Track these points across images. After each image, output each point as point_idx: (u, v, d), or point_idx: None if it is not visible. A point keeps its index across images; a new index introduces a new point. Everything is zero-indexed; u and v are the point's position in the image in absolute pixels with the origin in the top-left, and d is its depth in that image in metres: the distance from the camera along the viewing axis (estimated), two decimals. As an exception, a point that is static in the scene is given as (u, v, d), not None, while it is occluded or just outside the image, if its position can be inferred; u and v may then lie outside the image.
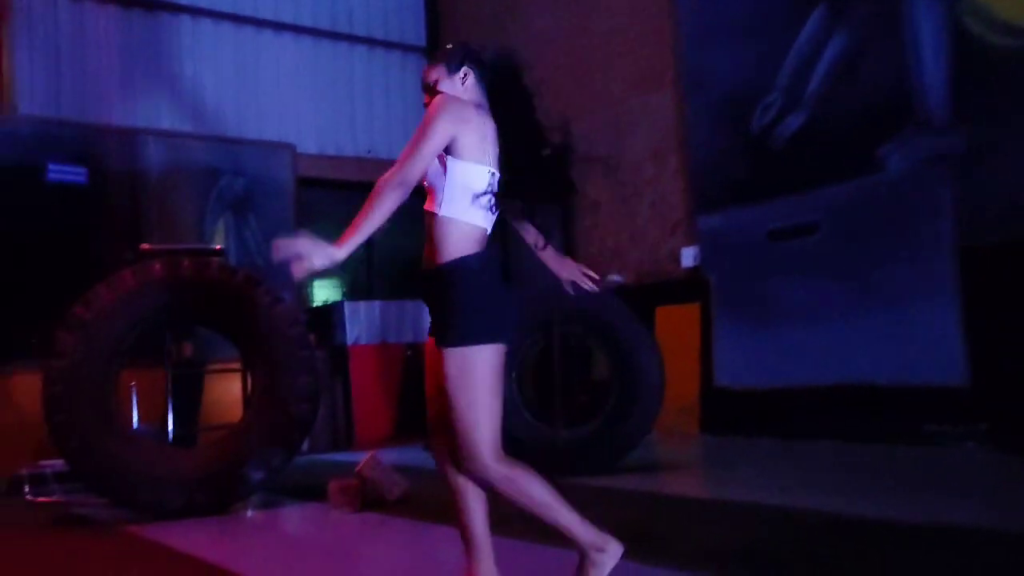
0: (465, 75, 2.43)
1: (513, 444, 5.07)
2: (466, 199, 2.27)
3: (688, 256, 6.80)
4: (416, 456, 6.00)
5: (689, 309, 6.67)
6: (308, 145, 8.21)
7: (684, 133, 6.80)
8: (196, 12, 7.85)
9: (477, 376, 2.22)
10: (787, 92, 5.97)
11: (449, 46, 2.52)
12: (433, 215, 2.29)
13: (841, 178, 5.62)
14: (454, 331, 2.24)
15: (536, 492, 2.26)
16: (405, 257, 8.55)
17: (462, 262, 2.26)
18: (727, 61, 6.36)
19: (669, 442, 6.11)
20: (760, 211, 6.11)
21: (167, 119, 7.62)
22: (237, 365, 5.51)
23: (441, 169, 2.28)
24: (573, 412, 5.34)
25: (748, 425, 6.10)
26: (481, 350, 2.23)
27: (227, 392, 6.53)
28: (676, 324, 6.66)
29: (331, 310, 7.54)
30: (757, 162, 6.17)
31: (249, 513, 4.42)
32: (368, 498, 4.20)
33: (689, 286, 6.68)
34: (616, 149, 7.45)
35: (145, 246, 4.93)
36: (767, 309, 6.05)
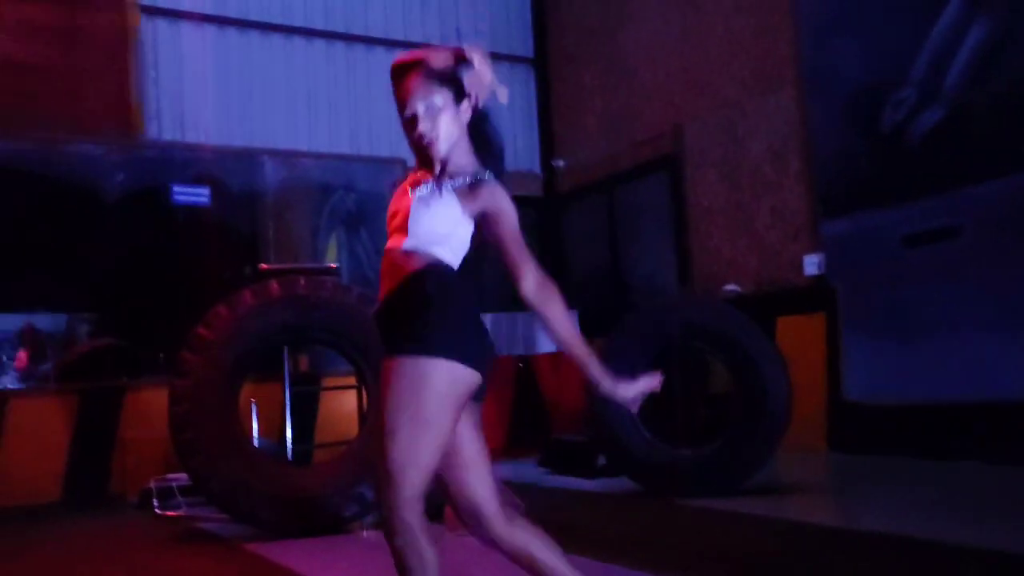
0: (467, 108, 2.11)
1: (630, 464, 4.95)
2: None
3: (811, 264, 6.45)
4: (531, 472, 5.91)
5: (813, 319, 6.32)
6: (419, 159, 8.27)
7: (807, 134, 6.47)
8: (310, 33, 8.03)
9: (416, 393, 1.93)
10: (922, 86, 5.57)
11: (442, 54, 2.11)
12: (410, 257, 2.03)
13: (987, 177, 5.20)
14: (411, 340, 1.97)
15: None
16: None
17: (443, 279, 2.02)
18: (853, 56, 6.01)
19: (794, 460, 5.79)
20: (893, 215, 5.72)
21: (283, 138, 7.81)
22: (352, 381, 5.55)
23: (463, 222, 2.04)
24: (693, 429, 5.13)
25: (880, 443, 5.71)
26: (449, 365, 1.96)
27: (338, 408, 6.61)
28: (799, 335, 6.33)
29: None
30: (889, 162, 5.79)
31: (364, 533, 4.40)
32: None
33: (813, 295, 6.34)
34: (732, 153, 7.18)
35: (263, 266, 5.02)
36: (902, 320, 5.65)
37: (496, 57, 9.31)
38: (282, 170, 7.58)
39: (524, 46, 9.21)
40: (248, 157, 7.45)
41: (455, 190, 2.04)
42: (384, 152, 8.18)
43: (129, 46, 7.10)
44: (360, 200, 7.86)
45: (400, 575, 1.96)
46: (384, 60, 8.42)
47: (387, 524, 1.92)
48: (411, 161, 7.84)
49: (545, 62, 9.20)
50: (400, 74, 2.12)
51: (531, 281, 1.98)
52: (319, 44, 8.11)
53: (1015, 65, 5.09)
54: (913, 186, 5.61)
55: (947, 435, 5.35)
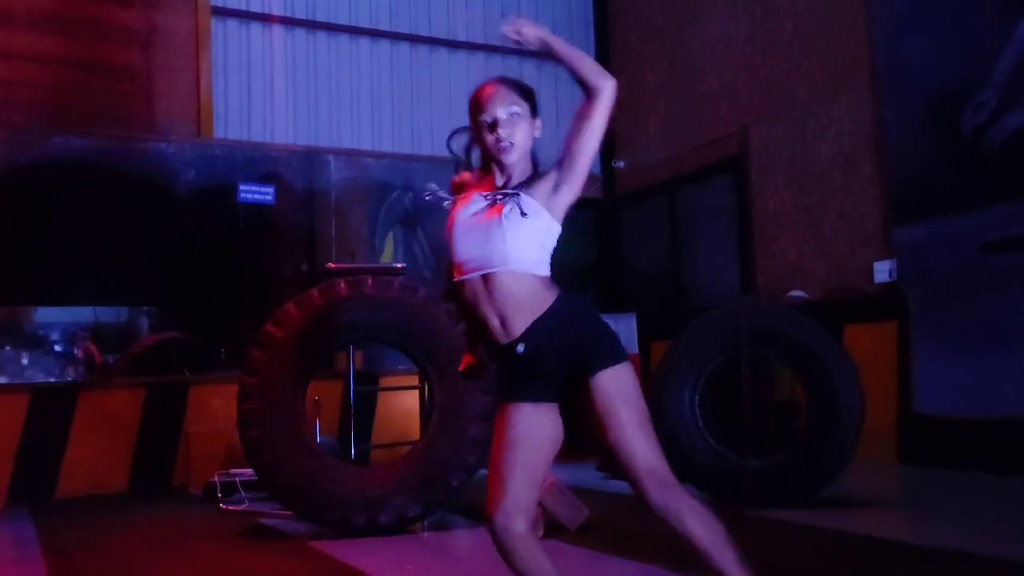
0: (539, 126, 2.25)
1: (694, 472, 4.85)
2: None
3: (882, 270, 6.28)
4: (590, 476, 5.84)
5: (883, 328, 6.14)
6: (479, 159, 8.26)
7: (880, 137, 6.29)
8: (376, 34, 8.09)
9: (639, 393, 2.13)
10: (1004, 88, 5.37)
11: (513, 78, 2.25)
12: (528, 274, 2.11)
13: (1070, 183, 5.00)
14: (611, 349, 2.09)
15: (716, 526, 2.13)
16: (575, 268, 8.45)
17: (575, 295, 2.17)
18: (930, 57, 5.82)
19: (864, 472, 5.63)
20: (972, 221, 5.53)
21: (347, 138, 7.87)
22: (410, 380, 5.56)
23: (549, 219, 2.12)
24: (760, 439, 5.01)
25: (955, 457, 5.53)
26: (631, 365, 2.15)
27: (396, 407, 6.62)
28: (868, 344, 6.15)
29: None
30: (968, 167, 5.59)
31: (427, 534, 4.39)
32: (549, 525, 4.06)
33: (883, 303, 6.16)
34: (800, 156, 7.02)
35: (331, 265, 5.05)
36: (980, 330, 5.46)
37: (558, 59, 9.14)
38: (345, 169, 7.63)
39: (586, 46, 9.13)
40: (313, 156, 7.52)
41: (534, 195, 2.10)
42: (444, 152, 8.17)
43: (202, 47, 7.22)
44: (417, 199, 7.88)
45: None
46: (447, 61, 8.45)
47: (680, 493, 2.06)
48: (473, 161, 7.75)
49: (607, 62, 9.11)
50: (483, 86, 2.23)
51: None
52: (384, 45, 8.15)
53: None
54: (993, 192, 5.41)
55: (1023, 450, 5.15)
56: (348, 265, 5.06)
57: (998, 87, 5.42)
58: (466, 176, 2.28)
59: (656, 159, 8.52)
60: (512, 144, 2.10)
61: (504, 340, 2.07)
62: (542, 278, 2.09)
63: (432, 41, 8.36)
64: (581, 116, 2.11)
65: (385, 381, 6.71)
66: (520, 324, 2.05)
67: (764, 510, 4.45)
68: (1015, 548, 3.39)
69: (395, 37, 8.19)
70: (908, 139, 6.01)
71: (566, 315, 2.06)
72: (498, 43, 8.71)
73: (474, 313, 2.11)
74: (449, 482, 4.36)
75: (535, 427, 2.10)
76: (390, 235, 7.80)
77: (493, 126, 2.10)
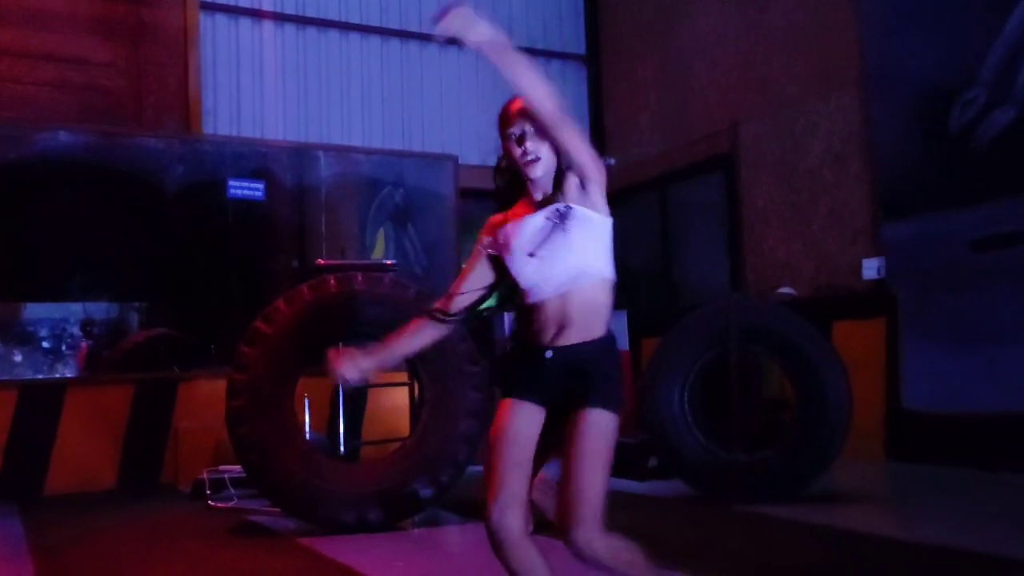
0: None
1: (683, 467, 4.88)
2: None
3: (871, 268, 6.31)
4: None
5: (871, 325, 6.17)
6: (471, 156, 8.25)
7: (869, 135, 6.31)
8: (366, 29, 8.07)
9: (612, 446, 2.12)
10: (992, 86, 5.40)
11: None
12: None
13: (1057, 181, 5.03)
14: (615, 396, 2.13)
15: (645, 569, 2.08)
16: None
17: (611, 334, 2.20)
18: (919, 54, 5.84)
19: (852, 468, 5.66)
20: (960, 218, 5.56)
21: (337, 134, 7.86)
22: (400, 378, 5.55)
23: (600, 217, 2.16)
24: (748, 434, 5.03)
25: (942, 452, 5.57)
26: (618, 421, 2.14)
27: (385, 403, 6.61)
28: (856, 341, 6.18)
29: (491, 321, 7.52)
30: (956, 164, 5.62)
31: (416, 531, 4.40)
32: (539, 521, 4.06)
33: (872, 300, 6.19)
34: (790, 153, 7.04)
35: (321, 261, 5.04)
36: (967, 327, 5.49)
37: (548, 54, 9.26)
38: (335, 165, 7.61)
39: (577, 42, 9.15)
40: (303, 152, 7.50)
41: (575, 202, 2.14)
42: (435, 148, 8.19)
43: (191, 42, 7.20)
44: (408, 195, 7.87)
45: None
46: (437, 57, 8.44)
47: (594, 551, 2.05)
48: (464, 157, 7.74)
49: (598, 58, 9.12)
50: (511, 102, 2.22)
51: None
52: (374, 41, 8.14)
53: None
54: (982, 189, 5.44)
55: (1011, 447, 5.19)
56: (338, 261, 5.05)
57: (986, 84, 5.44)
58: (498, 216, 2.28)
59: (647, 155, 8.54)
60: (539, 158, 2.13)
61: (545, 343, 2.14)
62: (609, 283, 2.17)
63: (423, 37, 8.34)
64: (545, 124, 2.11)
65: (382, 380, 6.69)
66: (565, 339, 2.13)
67: (752, 505, 4.47)
68: (1002, 544, 3.42)
69: (385, 33, 8.18)
70: (897, 137, 6.04)
71: (600, 352, 2.14)
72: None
73: (537, 326, 2.16)
74: (439, 478, 4.36)
75: (536, 426, 2.16)
76: (381, 231, 7.78)
77: (521, 139, 2.13)
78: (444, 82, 8.42)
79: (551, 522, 4.14)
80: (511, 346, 2.31)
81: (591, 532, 2.02)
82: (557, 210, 2.11)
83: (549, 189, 2.16)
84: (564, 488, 2.07)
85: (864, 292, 6.31)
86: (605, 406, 2.10)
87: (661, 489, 5.14)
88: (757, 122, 7.32)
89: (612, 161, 8.96)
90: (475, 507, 4.62)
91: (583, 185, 2.14)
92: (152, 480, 6.29)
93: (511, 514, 2.08)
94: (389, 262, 5.38)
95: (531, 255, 2.13)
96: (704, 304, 5.50)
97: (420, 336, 2.32)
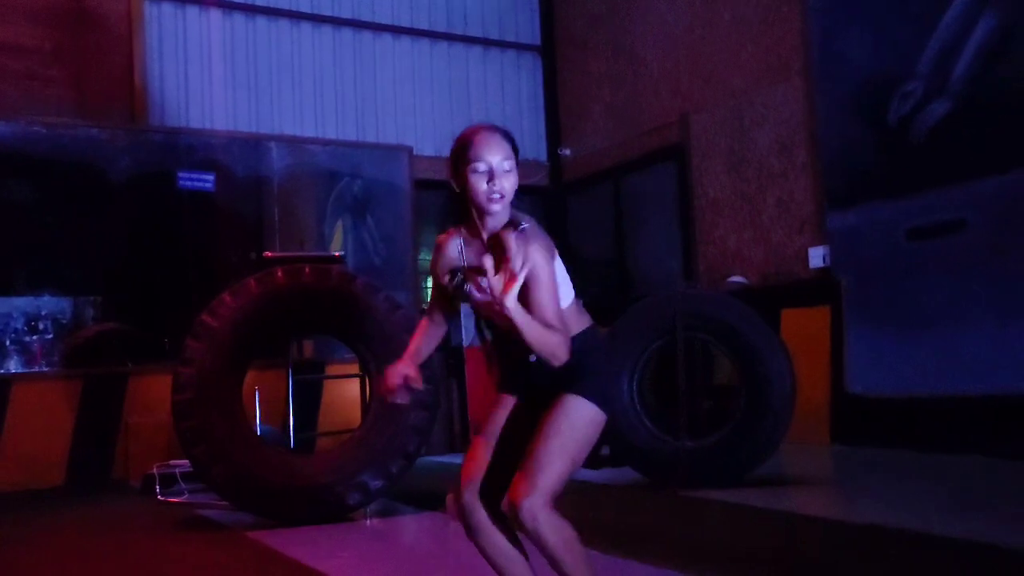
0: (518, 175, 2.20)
1: (633, 454, 4.95)
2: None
3: (817, 256, 6.44)
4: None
5: (818, 312, 6.31)
6: (425, 147, 8.25)
7: (814, 125, 6.43)
8: (317, 19, 8.01)
9: (588, 437, 2.12)
10: (929, 79, 5.54)
11: (505, 132, 2.21)
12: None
13: (990, 171, 5.17)
14: (597, 389, 2.16)
15: (580, 554, 2.06)
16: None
17: (592, 332, 2.24)
18: (860, 48, 5.97)
19: (797, 451, 5.80)
20: (898, 208, 5.70)
21: (290, 124, 7.80)
22: (355, 369, 5.55)
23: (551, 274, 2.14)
24: (696, 421, 5.13)
25: (884, 435, 5.72)
26: (601, 418, 2.15)
27: (343, 395, 6.62)
28: (803, 328, 6.32)
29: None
30: (895, 155, 5.76)
31: (368, 522, 4.42)
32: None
33: (817, 288, 6.32)
34: (739, 144, 7.15)
35: (268, 253, 5.01)
36: (907, 313, 5.64)
37: (503, 45, 9.28)
38: (288, 156, 7.56)
39: (531, 33, 9.16)
40: (254, 143, 7.43)
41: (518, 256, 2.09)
42: (390, 140, 8.17)
43: (135, 31, 7.08)
44: (366, 187, 7.84)
45: (561, 560, 2.06)
46: (391, 47, 8.40)
47: (537, 524, 2.01)
48: (418, 148, 7.72)
49: (552, 50, 9.15)
50: (479, 131, 2.18)
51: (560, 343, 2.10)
52: (326, 30, 8.08)
53: (1021, 60, 5.05)
54: (919, 179, 5.58)
55: (950, 429, 5.34)
56: (285, 253, 5.03)
57: (923, 77, 5.58)
58: (449, 234, 2.28)
59: (601, 147, 8.60)
60: (503, 196, 2.12)
61: (524, 349, 2.12)
62: (569, 309, 2.17)
63: (376, 27, 8.30)
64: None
65: (331, 369, 6.70)
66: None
67: (698, 490, 4.56)
68: (936, 522, 3.53)
69: (338, 23, 8.11)
70: (840, 128, 6.16)
71: (580, 349, 2.14)
72: (444, 29, 8.69)
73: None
74: (389, 469, 4.38)
75: (523, 421, 2.19)
76: (339, 224, 7.75)
77: (491, 176, 2.11)
78: (398, 72, 8.39)
79: (505, 512, 4.19)
80: (502, 360, 2.32)
81: (537, 503, 1.98)
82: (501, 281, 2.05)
83: (498, 226, 2.15)
84: (522, 462, 2.06)
85: (810, 280, 6.44)
86: (583, 394, 2.12)
87: (613, 477, 5.21)
88: (707, 113, 7.42)
89: (567, 152, 9.02)
90: (426, 498, 4.67)
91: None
92: (102, 476, 6.23)
93: (479, 501, 2.11)
94: (338, 253, 5.37)
95: (488, 314, 2.15)
96: (653, 293, 5.58)
97: (430, 335, 2.41)
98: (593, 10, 8.69)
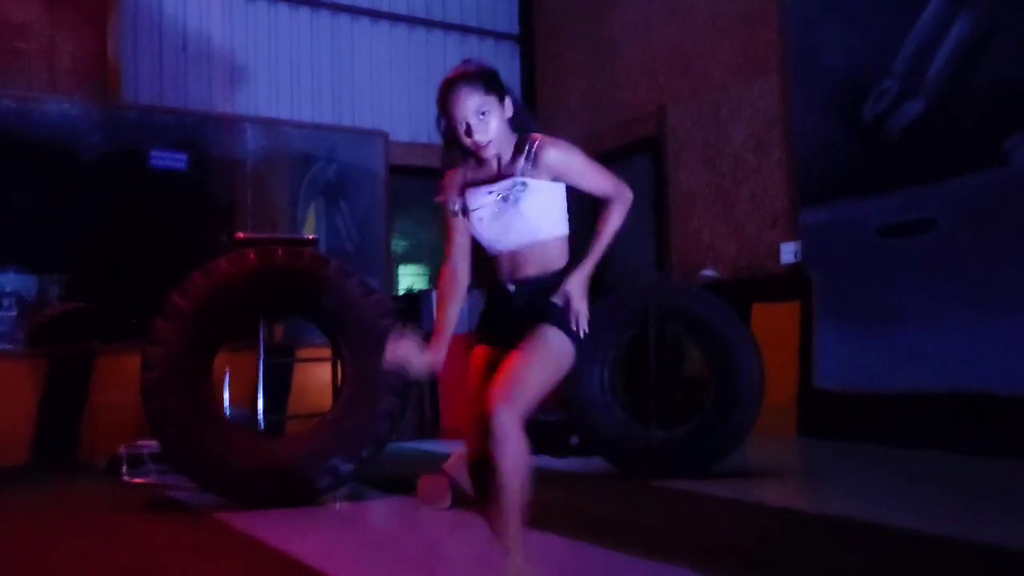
0: (509, 106, 2.34)
1: (603, 444, 4.98)
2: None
3: (788, 251, 6.50)
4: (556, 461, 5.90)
5: (788, 307, 6.38)
6: (400, 133, 8.21)
7: (789, 121, 6.49)
8: (295, 1, 7.93)
9: (560, 365, 2.24)
10: (904, 78, 5.60)
11: (473, 67, 2.30)
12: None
13: (961, 172, 5.25)
14: (568, 321, 2.29)
15: (524, 481, 2.14)
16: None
17: (569, 271, 2.40)
18: (837, 45, 6.02)
19: (764, 444, 5.86)
20: (870, 205, 5.77)
21: (265, 106, 7.72)
22: (327, 353, 5.52)
23: (552, 185, 2.35)
24: (666, 411, 5.17)
25: (850, 430, 5.80)
26: (572, 351, 2.28)
27: (315, 379, 6.59)
28: (773, 322, 6.38)
29: (418, 298, 7.52)
30: (868, 153, 5.82)
31: (337, 505, 4.40)
32: (458, 495, 4.12)
33: (789, 283, 6.39)
34: (714, 138, 7.19)
35: (240, 234, 4.97)
36: (875, 310, 5.72)
37: (481, 32, 9.23)
38: (262, 138, 7.48)
39: (509, 22, 9.14)
40: (228, 124, 7.35)
41: (528, 174, 2.29)
42: (366, 124, 8.12)
43: (110, 5, 6.96)
44: (341, 171, 7.78)
45: (507, 472, 2.12)
46: (368, 31, 8.34)
47: (503, 425, 2.10)
48: (394, 134, 7.66)
49: (531, 39, 9.14)
50: (448, 88, 2.26)
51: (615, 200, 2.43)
52: (304, 12, 8.00)
53: (996, 61, 5.13)
54: (891, 177, 5.65)
55: (914, 424, 5.43)
56: (258, 235, 4.99)
57: (899, 76, 5.64)
58: (455, 170, 2.40)
59: (577, 137, 8.58)
60: (489, 140, 2.24)
61: (506, 280, 2.34)
62: (563, 239, 2.38)
63: (354, 10, 8.24)
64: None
65: (303, 353, 6.66)
66: (523, 274, 2.33)
67: (668, 481, 4.60)
68: (898, 515, 3.59)
69: (316, 5, 8.04)
70: (815, 124, 6.22)
71: (552, 285, 2.31)
72: (422, 15, 8.64)
73: (496, 267, 2.37)
74: (360, 454, 4.37)
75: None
76: (312, 207, 7.69)
77: (468, 131, 2.23)
78: (374, 57, 8.34)
79: (469, 496, 4.21)
80: (485, 296, 2.46)
81: (512, 413, 2.08)
82: (511, 187, 2.27)
83: (505, 158, 2.30)
84: (498, 375, 2.16)
85: (782, 275, 6.50)
86: (559, 326, 2.24)
87: (582, 466, 5.24)
88: (683, 106, 7.45)
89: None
90: (396, 483, 4.67)
91: (558, 178, 2.35)
92: (67, 456, 6.14)
93: (513, 412, 2.13)
94: (311, 236, 5.33)
95: (489, 223, 2.31)
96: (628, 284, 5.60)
97: (455, 299, 2.42)
98: (571, 1, 8.68)
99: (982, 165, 5.14)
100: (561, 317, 2.26)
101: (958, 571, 2.90)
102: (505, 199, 2.26)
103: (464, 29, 8.84)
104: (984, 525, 3.39)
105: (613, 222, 2.41)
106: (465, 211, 2.34)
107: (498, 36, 9.03)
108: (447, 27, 8.76)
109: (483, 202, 2.31)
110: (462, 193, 2.36)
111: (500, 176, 2.31)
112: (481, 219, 2.32)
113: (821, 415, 6.03)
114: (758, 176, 6.83)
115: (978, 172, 5.17)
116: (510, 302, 2.33)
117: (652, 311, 4.92)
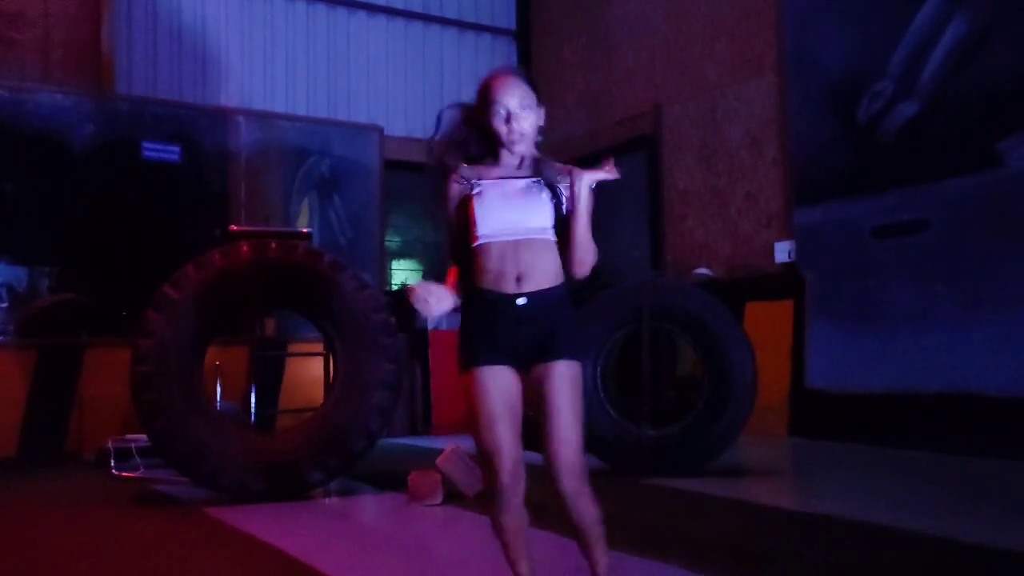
0: (543, 114, 2.34)
1: (596, 442, 4.96)
2: None
3: (782, 251, 6.51)
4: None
5: (781, 306, 6.38)
6: (396, 127, 8.18)
7: (784, 121, 6.49)
8: (292, -6, 7.91)
9: (581, 392, 2.25)
10: (899, 79, 5.61)
11: (525, 73, 2.36)
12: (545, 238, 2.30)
13: (955, 173, 5.26)
14: (580, 346, 2.29)
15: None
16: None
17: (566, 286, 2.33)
18: (833, 45, 6.02)
19: (756, 443, 5.87)
20: (864, 206, 5.78)
21: (260, 99, 7.68)
22: (319, 348, 5.51)
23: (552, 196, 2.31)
24: (659, 410, 5.16)
25: (841, 429, 5.81)
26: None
27: (305, 373, 6.56)
28: (767, 321, 6.39)
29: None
30: (863, 153, 5.83)
31: (328, 500, 4.39)
32: (449, 491, 4.11)
33: (782, 282, 6.39)
34: (710, 137, 7.18)
35: (233, 227, 4.94)
36: (868, 310, 5.72)
37: (478, 28, 9.22)
38: (257, 131, 7.44)
39: (507, 18, 9.12)
40: (222, 116, 7.31)
41: (549, 177, 2.29)
42: (360, 119, 8.09)
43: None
44: (335, 165, 7.75)
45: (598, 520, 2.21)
46: (365, 25, 8.31)
47: (583, 493, 2.17)
48: (389, 129, 7.62)
49: (527, 35, 9.12)
50: (496, 75, 2.32)
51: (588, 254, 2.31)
52: (300, 6, 7.97)
53: (990, 64, 5.13)
54: (884, 178, 5.66)
55: (904, 424, 5.44)
56: (251, 228, 4.96)
57: (893, 78, 5.64)
58: (467, 169, 2.35)
59: (572, 134, 8.59)
60: (523, 135, 2.26)
61: (511, 291, 2.22)
62: (557, 252, 2.30)
63: (351, 4, 8.20)
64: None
65: (294, 347, 6.64)
66: (533, 285, 2.23)
67: (660, 479, 4.59)
68: (888, 514, 3.59)
69: (312, -2, 8.01)
70: (810, 124, 6.22)
71: (562, 300, 2.27)
72: (419, 10, 8.61)
73: (491, 267, 2.25)
74: (351, 448, 4.35)
75: (516, 386, 2.23)
76: (305, 201, 7.66)
77: (508, 118, 2.24)
78: (371, 52, 8.31)
79: (462, 492, 4.19)
80: (467, 309, 2.32)
81: (579, 482, 2.14)
82: (532, 182, 2.27)
83: (526, 162, 2.30)
84: (550, 439, 2.15)
85: (776, 274, 6.50)
86: (574, 356, 2.22)
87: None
88: (679, 105, 7.44)
89: (540, 138, 8.99)
90: (387, 478, 4.65)
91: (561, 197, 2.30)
92: (55, 448, 6.11)
93: (520, 482, 2.18)
94: (305, 230, 5.31)
95: (502, 205, 2.25)
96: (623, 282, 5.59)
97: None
98: (570, -2, 8.67)
99: (976, 167, 5.15)
100: (573, 343, 2.25)
101: (945, 569, 2.91)
102: (528, 187, 2.28)
103: (461, 24, 8.82)
104: (973, 524, 3.40)
105: (589, 232, 2.31)
106: (480, 195, 2.27)
107: (495, 32, 9.01)
108: (444, 22, 8.73)
109: (506, 188, 2.28)
110: (478, 180, 2.30)
111: (518, 177, 2.31)
112: (501, 196, 2.26)
113: (812, 415, 6.03)
114: (753, 175, 6.83)
115: (972, 174, 5.17)
116: (517, 315, 2.21)
117: (646, 309, 4.91)
